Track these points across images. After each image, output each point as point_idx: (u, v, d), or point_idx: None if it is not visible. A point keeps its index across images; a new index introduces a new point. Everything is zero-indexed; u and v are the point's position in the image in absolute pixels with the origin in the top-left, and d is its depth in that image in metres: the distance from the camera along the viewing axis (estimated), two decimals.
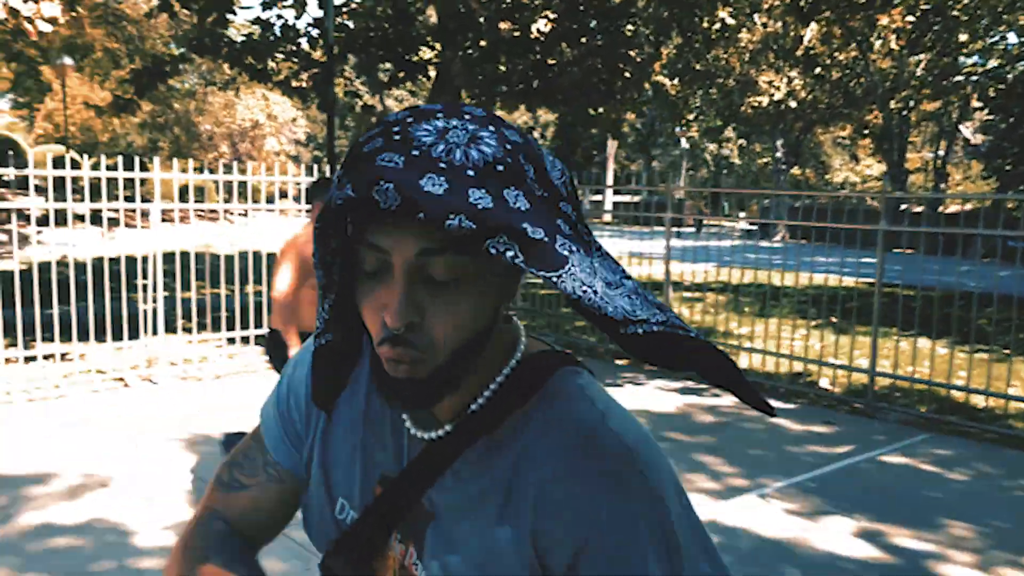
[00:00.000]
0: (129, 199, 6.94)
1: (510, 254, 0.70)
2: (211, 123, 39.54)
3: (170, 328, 7.60)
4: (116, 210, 6.81)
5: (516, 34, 7.73)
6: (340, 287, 0.85)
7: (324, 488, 0.97)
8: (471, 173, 0.70)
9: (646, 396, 7.15)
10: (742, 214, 24.27)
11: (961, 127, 33.85)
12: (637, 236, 9.87)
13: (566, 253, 0.72)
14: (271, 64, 8.93)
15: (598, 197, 43.37)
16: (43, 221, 18.97)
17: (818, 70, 31.09)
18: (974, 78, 28.62)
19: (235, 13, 8.40)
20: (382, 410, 0.94)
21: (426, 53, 8.92)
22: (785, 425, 6.49)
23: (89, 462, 5.04)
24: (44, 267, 8.11)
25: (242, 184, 7.79)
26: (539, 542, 0.81)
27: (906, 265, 9.12)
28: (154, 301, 7.10)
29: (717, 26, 12.01)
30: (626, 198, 37.74)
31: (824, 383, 7.75)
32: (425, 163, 0.70)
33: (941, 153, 34.27)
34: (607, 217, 36.84)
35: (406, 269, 0.75)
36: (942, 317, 8.83)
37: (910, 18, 11.62)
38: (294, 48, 8.94)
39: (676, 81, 14.84)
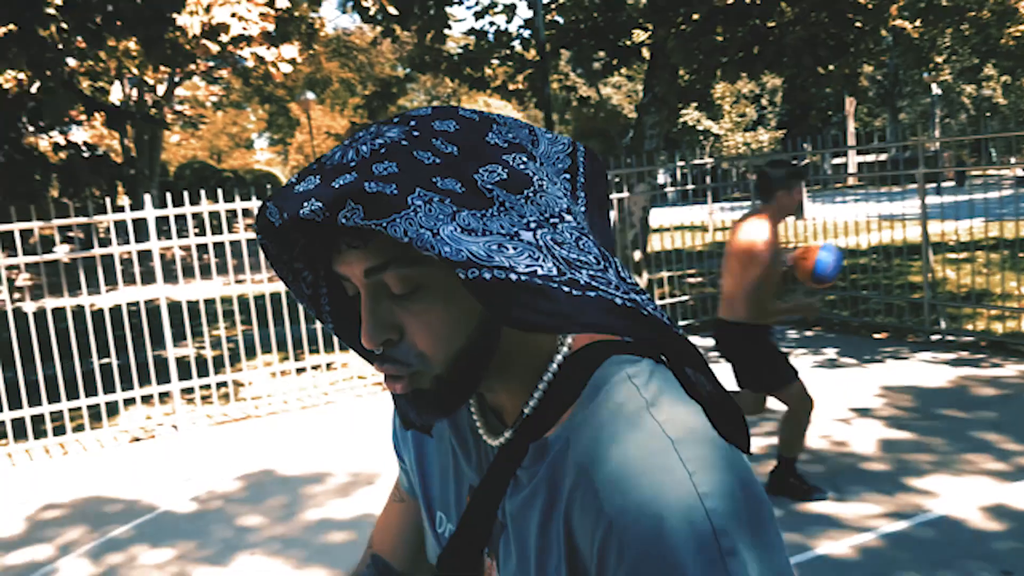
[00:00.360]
0: None
1: (356, 217, 0.66)
2: None
3: None
4: None
5: (730, 1, 7.36)
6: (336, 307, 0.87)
7: (425, 502, 0.99)
8: (352, 164, 0.69)
9: (912, 370, 6.53)
10: (1013, 160, 21.54)
11: None
12: (887, 197, 9.06)
13: (415, 202, 0.66)
14: (487, 71, 9.20)
15: (840, 160, 40.54)
16: None
17: None
18: None
19: (450, 28, 8.75)
20: (466, 421, 0.92)
21: (639, 36, 8.75)
22: None
23: (357, 462, 5.46)
24: None
25: None
26: (571, 532, 0.75)
27: None
28: None
29: None
30: (870, 157, 34.92)
31: None
32: (308, 172, 0.71)
33: None
34: (851, 180, 34.33)
35: (367, 290, 0.75)
36: None
37: None
38: (508, 52, 9.14)
39: (918, 22, 13.49)
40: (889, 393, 5.99)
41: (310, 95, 22.68)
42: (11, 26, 7.00)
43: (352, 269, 0.74)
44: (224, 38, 5.35)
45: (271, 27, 5.51)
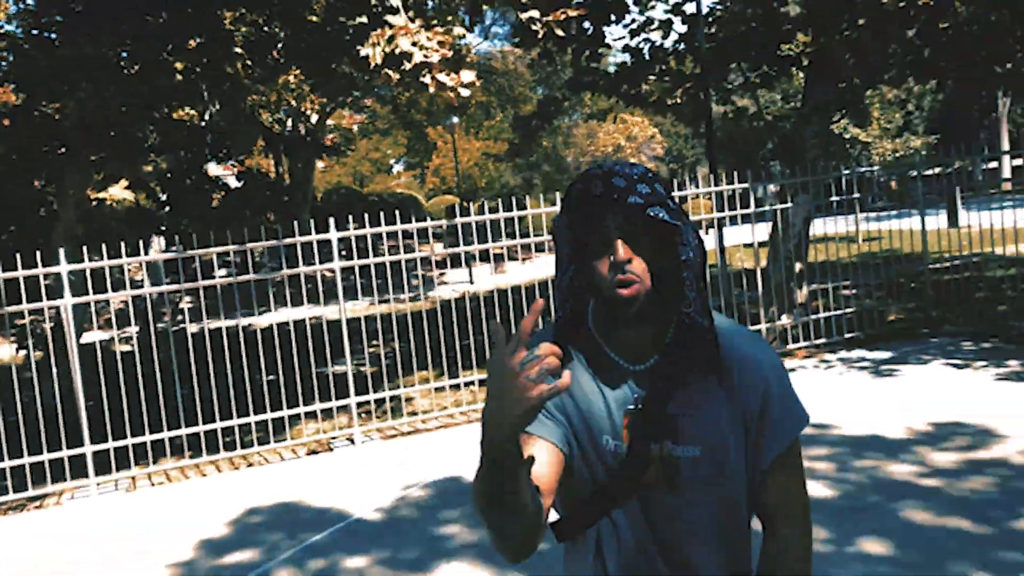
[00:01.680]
0: (512, 236, 7.55)
1: (662, 215, 1.31)
2: (576, 154, 42.06)
3: None
4: (501, 248, 7.46)
5: (901, 4, 7.08)
6: (573, 270, 1.41)
7: (588, 432, 1.42)
8: (636, 177, 1.33)
9: None
10: None
11: None
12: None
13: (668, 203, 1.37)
14: (644, 87, 9.21)
15: (993, 164, 37.94)
16: (442, 264, 21.59)
17: None
18: None
19: (609, 47, 8.84)
20: (605, 367, 1.44)
21: (799, 43, 8.56)
22: None
23: None
24: (445, 304, 9.21)
25: None
26: (739, 397, 1.40)
27: None
28: None
29: None
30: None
31: None
32: (614, 173, 1.34)
33: None
34: (1007, 186, 31.97)
35: (620, 232, 1.32)
36: None
37: None
38: (663, 68, 9.13)
39: None
40: None
41: (455, 119, 23.33)
42: (203, 60, 7.58)
43: (616, 221, 1.32)
44: (407, 66, 5.60)
45: (449, 54, 5.74)
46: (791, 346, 8.33)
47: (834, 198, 8.36)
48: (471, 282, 17.60)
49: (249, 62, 7.88)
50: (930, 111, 38.69)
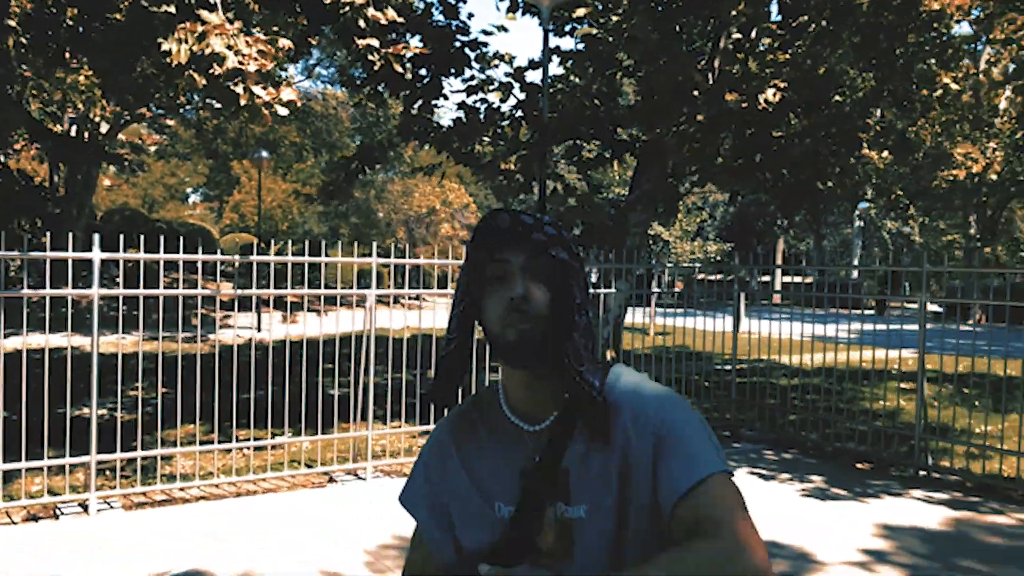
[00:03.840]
0: (311, 284, 6.64)
1: (563, 256, 1.34)
2: (388, 210, 41.18)
3: (364, 416, 7.22)
4: (300, 296, 6.61)
5: (744, 105, 7.16)
6: (467, 302, 1.39)
7: (481, 498, 1.40)
8: (545, 219, 1.37)
9: (911, 510, 6.10)
10: (928, 294, 22.13)
11: None
12: (809, 318, 8.87)
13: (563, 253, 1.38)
14: (478, 147, 8.79)
15: (766, 278, 41.60)
16: (229, 306, 19.90)
17: (1019, 137, 28.77)
18: None
19: (447, 98, 8.37)
20: (500, 433, 1.41)
21: (635, 131, 8.50)
22: None
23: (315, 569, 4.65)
24: (226, 350, 8.10)
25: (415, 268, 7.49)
26: (632, 449, 1.31)
27: None
28: (364, 386, 6.81)
29: (939, 92, 11.04)
30: (790, 277, 35.83)
31: None
32: (520, 212, 1.36)
33: None
34: (777, 298, 35.10)
35: (520, 268, 1.32)
36: None
37: None
38: (499, 131, 8.77)
39: (885, 153, 13.84)
40: (898, 536, 5.52)
41: (265, 154, 21.86)
42: None
43: (516, 255, 1.33)
44: (217, 70, 4.74)
45: (270, 65, 4.96)
46: None
47: (638, 290, 8.27)
48: (258, 329, 16.25)
49: (24, 40, 6.61)
50: (721, 219, 41.83)
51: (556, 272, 1.32)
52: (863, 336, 7.92)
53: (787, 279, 43.94)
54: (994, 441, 8.03)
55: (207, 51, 4.81)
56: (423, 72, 8.45)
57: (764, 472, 7.21)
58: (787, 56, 7.41)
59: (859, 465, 7.64)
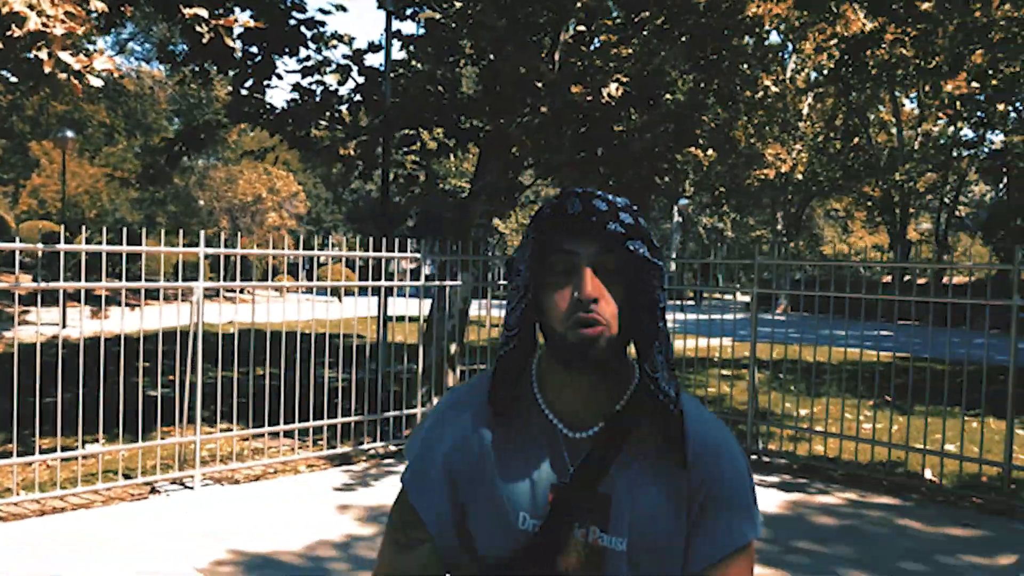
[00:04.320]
0: (123, 276, 5.93)
1: (642, 251, 1.14)
2: (210, 198, 38.83)
3: (191, 419, 6.65)
4: (114, 289, 5.99)
5: (589, 98, 7.18)
6: (528, 297, 1.19)
7: (505, 504, 1.20)
8: (619, 205, 1.17)
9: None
10: (737, 286, 23.70)
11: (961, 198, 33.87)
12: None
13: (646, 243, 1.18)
14: (315, 132, 8.32)
15: None
16: (31, 299, 18.05)
17: (820, 141, 31.23)
18: (969, 151, 28.79)
19: (280, 77, 7.83)
20: (538, 430, 1.22)
21: (479, 120, 8.35)
22: (916, 528, 5.71)
23: None
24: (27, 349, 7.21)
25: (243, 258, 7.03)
26: (690, 487, 1.18)
27: (924, 338, 8.46)
28: (191, 386, 6.24)
29: (760, 94, 11.65)
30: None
31: (928, 474, 6.98)
32: (595, 195, 1.16)
33: (943, 226, 34.23)
34: None
35: (590, 263, 1.14)
36: (994, 393, 8.14)
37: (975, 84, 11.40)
38: (337, 115, 8.35)
39: (710, 152, 14.48)
40: None
41: (70, 134, 19.89)
42: None
43: (586, 247, 1.14)
44: (16, 32, 4.10)
45: (80, 30, 4.35)
46: None
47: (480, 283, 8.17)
48: (63, 325, 14.82)
49: None
50: None
51: (633, 269, 1.15)
52: (686, 325, 8.16)
53: None
54: (813, 424, 8.53)
55: (3, 10, 4.17)
56: (254, 50, 7.90)
57: None
58: (629, 51, 7.51)
59: None
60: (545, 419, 1.22)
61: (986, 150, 27.55)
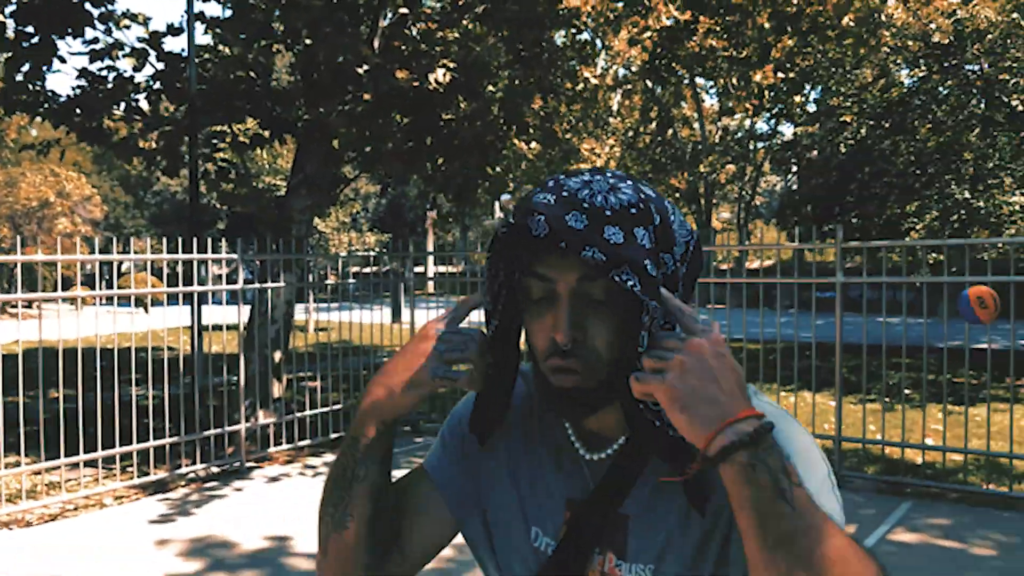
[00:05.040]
0: None
1: (630, 283, 0.88)
2: None
3: None
4: None
5: (415, 84, 6.79)
6: (502, 316, 1.02)
7: (519, 523, 1.08)
8: (608, 214, 0.89)
9: None
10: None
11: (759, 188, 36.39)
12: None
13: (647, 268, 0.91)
14: (109, 123, 7.38)
15: (421, 268, 42.59)
16: None
17: (630, 136, 32.59)
18: (763, 144, 31.08)
19: (63, 61, 6.85)
20: (555, 443, 1.08)
21: (296, 110, 7.74)
22: None
23: None
24: None
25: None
26: (716, 508, 0.94)
27: (734, 319, 8.90)
28: None
29: (580, 86, 11.74)
30: (441, 268, 37.20)
31: None
32: (571, 203, 0.90)
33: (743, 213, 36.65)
34: (431, 287, 36.12)
35: (570, 293, 0.92)
36: (803, 369, 8.65)
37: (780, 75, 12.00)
38: (134, 105, 7.48)
39: (534, 144, 14.50)
40: None
41: None
42: None
43: (564, 273, 0.92)
44: None
45: None
46: (272, 449, 7.18)
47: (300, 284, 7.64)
48: None
49: None
50: (374, 211, 41.89)
51: (622, 301, 0.92)
52: None
53: (440, 269, 45.38)
54: None
55: None
56: (30, 30, 6.91)
57: None
58: (456, 35, 7.22)
59: None
60: (565, 436, 1.08)
61: (778, 143, 29.75)
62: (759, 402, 0.98)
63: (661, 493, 1.00)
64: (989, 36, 10.55)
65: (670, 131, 25.80)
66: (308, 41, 7.08)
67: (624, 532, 1.01)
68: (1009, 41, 10.20)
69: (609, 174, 0.95)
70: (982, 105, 11.93)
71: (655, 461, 0.98)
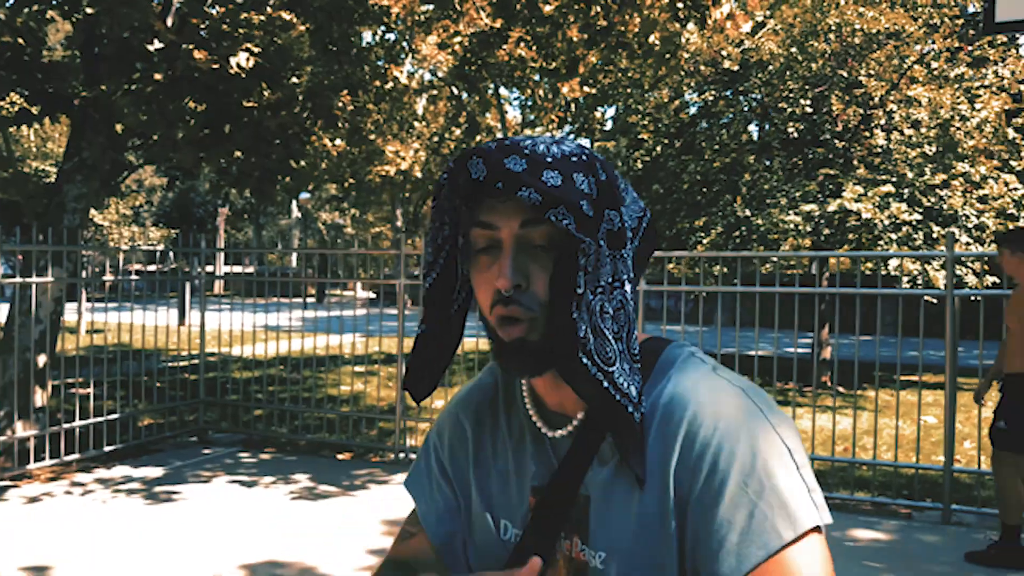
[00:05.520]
0: None
1: (565, 222, 0.86)
2: None
3: None
4: None
5: (215, 67, 6.22)
6: (442, 269, 0.99)
7: (488, 514, 1.06)
8: (548, 160, 0.89)
9: (401, 498, 5.99)
10: (360, 283, 23.78)
11: None
12: (261, 308, 8.62)
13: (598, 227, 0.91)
14: None
15: (211, 268, 40.25)
16: None
17: (435, 141, 32.67)
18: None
19: None
20: (520, 430, 1.05)
21: (73, 84, 6.88)
22: None
23: None
24: None
25: None
26: (678, 477, 0.90)
27: None
28: None
29: (390, 85, 11.52)
30: (236, 267, 35.42)
31: None
32: (512, 149, 0.90)
33: None
34: (218, 286, 34.19)
35: (513, 239, 0.91)
36: None
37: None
38: None
39: (340, 142, 14.01)
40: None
41: None
42: None
43: (507, 219, 0.90)
44: None
45: None
46: (33, 465, 6.32)
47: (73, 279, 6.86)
48: None
49: None
50: (159, 205, 39.05)
51: (564, 247, 0.91)
52: (317, 323, 7.71)
53: (233, 268, 43.15)
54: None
55: None
56: None
57: (245, 478, 6.49)
58: (261, 17, 6.73)
59: (340, 456, 7.40)
60: (527, 417, 1.05)
61: None
62: (717, 379, 0.96)
63: (621, 471, 0.96)
64: (770, 67, 11.45)
65: (478, 138, 26.05)
66: (90, 10, 6.34)
67: (585, 514, 0.97)
68: (788, 73, 11.11)
69: (559, 137, 0.96)
70: (761, 130, 12.96)
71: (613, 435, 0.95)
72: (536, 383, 1.02)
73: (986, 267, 10.25)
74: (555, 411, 1.02)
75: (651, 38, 7.33)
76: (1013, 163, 11.07)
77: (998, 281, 9.72)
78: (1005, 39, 11.15)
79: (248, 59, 6.45)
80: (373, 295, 29.38)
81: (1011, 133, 11.01)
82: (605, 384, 0.91)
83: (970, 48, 11.27)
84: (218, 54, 6.31)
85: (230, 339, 8.80)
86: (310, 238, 54.91)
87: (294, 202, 44.26)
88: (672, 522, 0.91)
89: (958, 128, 10.84)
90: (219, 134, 7.06)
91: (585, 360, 0.91)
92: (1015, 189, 10.68)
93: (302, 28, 9.16)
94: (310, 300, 31.45)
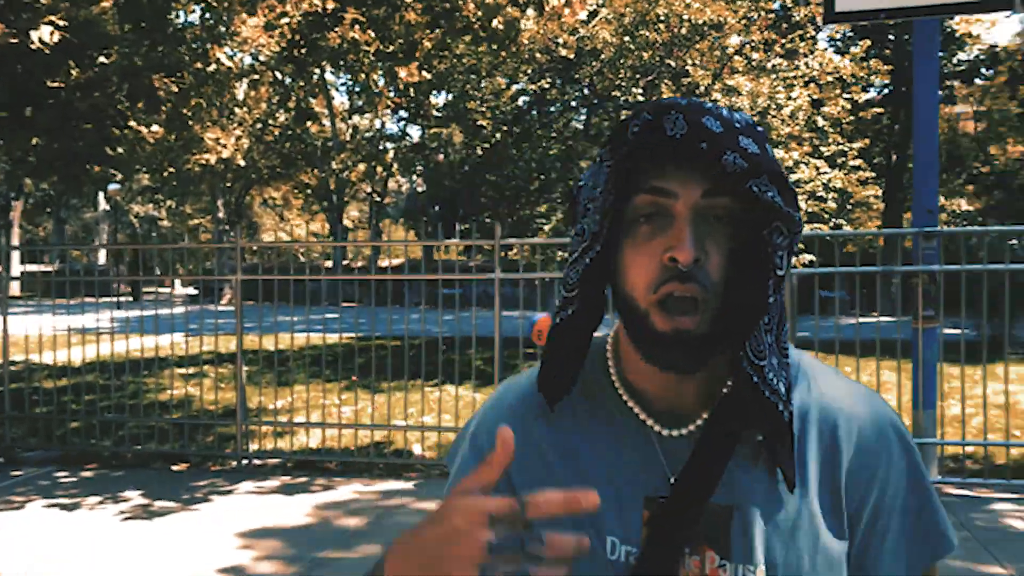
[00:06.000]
0: None
1: (770, 194, 0.79)
2: None
3: None
4: None
5: (13, 41, 5.44)
6: (605, 243, 0.85)
7: (591, 531, 0.89)
8: (738, 126, 0.81)
9: (254, 506, 5.58)
10: (178, 278, 22.40)
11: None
12: (69, 310, 7.70)
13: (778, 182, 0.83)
14: None
15: None
16: None
17: (258, 128, 31.29)
18: (393, 144, 31.94)
19: None
20: (621, 428, 0.92)
21: None
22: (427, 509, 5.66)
23: None
24: None
25: None
26: (842, 488, 0.86)
27: (367, 317, 9.03)
28: None
29: (212, 67, 10.82)
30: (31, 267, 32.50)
31: (417, 450, 7.10)
32: (704, 109, 0.80)
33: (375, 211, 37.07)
34: (15, 288, 31.23)
35: (692, 208, 0.79)
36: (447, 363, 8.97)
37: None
38: None
39: (155, 128, 12.95)
40: (261, 541, 4.95)
41: None
42: None
43: (687, 186, 0.79)
44: None
45: None
46: None
47: None
48: None
49: None
50: None
51: (751, 219, 0.80)
52: (129, 324, 7.11)
53: (29, 268, 39.52)
54: (293, 415, 8.08)
55: None
56: None
57: (66, 500, 5.83)
58: None
59: (175, 467, 6.84)
60: (629, 413, 0.92)
61: (406, 144, 30.72)
62: (860, 385, 0.95)
63: (770, 477, 0.88)
64: (602, 56, 11.69)
65: (309, 123, 25.17)
66: None
67: (727, 526, 0.87)
68: (620, 61, 11.38)
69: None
70: (591, 118, 13.24)
71: (752, 438, 0.87)
72: (653, 379, 0.89)
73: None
74: (662, 408, 0.91)
75: (494, 23, 7.22)
76: (823, 149, 11.90)
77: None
78: (813, 32, 11.97)
79: (52, 33, 5.76)
80: (194, 291, 27.77)
81: (820, 121, 11.84)
82: (755, 379, 0.84)
83: (783, 41, 12.01)
84: (17, 27, 5.59)
85: (39, 344, 7.91)
86: (120, 232, 51.14)
87: (100, 193, 41.07)
88: (845, 529, 0.88)
89: (774, 116, 11.53)
90: (19, 117, 6.28)
91: (740, 352, 0.84)
92: (824, 173, 11.49)
93: (108, 3, 8.37)
94: (126, 299, 29.35)
